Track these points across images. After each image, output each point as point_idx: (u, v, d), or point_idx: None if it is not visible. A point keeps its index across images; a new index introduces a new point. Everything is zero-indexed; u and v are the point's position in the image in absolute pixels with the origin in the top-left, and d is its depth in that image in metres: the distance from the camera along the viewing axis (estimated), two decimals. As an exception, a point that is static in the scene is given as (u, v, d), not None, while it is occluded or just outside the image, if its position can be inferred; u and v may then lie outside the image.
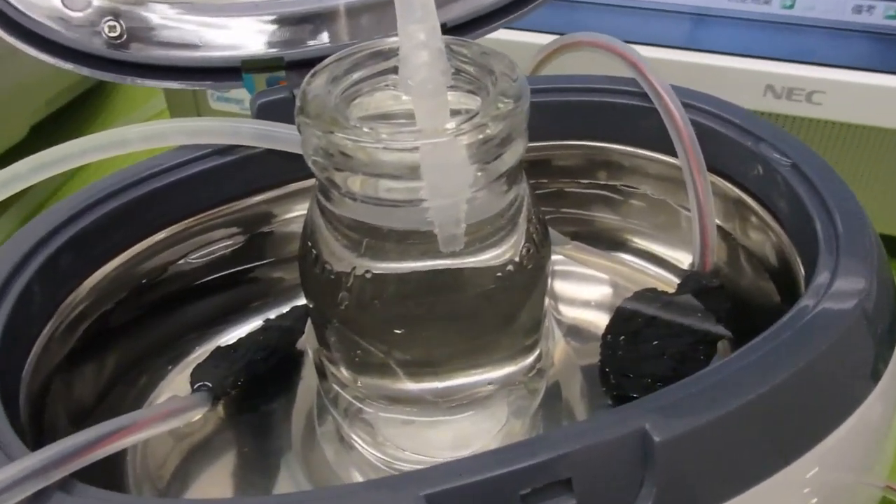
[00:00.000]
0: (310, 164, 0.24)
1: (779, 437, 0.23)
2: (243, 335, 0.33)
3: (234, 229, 0.35)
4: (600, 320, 0.34)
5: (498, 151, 0.23)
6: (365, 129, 0.22)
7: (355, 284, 0.25)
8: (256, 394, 0.33)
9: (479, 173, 0.23)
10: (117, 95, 0.70)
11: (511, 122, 0.23)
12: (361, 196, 0.23)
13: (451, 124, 0.22)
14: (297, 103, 0.24)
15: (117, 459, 0.30)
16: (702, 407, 0.22)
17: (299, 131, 0.24)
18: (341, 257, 0.25)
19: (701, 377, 0.23)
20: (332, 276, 0.25)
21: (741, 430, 0.22)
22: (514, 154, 0.24)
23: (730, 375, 0.23)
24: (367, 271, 0.24)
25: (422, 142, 0.22)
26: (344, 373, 0.28)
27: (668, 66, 0.44)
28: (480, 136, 0.22)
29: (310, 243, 0.26)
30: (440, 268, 0.25)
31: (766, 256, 0.32)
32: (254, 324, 0.35)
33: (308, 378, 0.34)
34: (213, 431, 0.32)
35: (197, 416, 0.29)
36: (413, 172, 0.22)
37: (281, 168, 0.33)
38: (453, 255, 0.24)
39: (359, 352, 0.27)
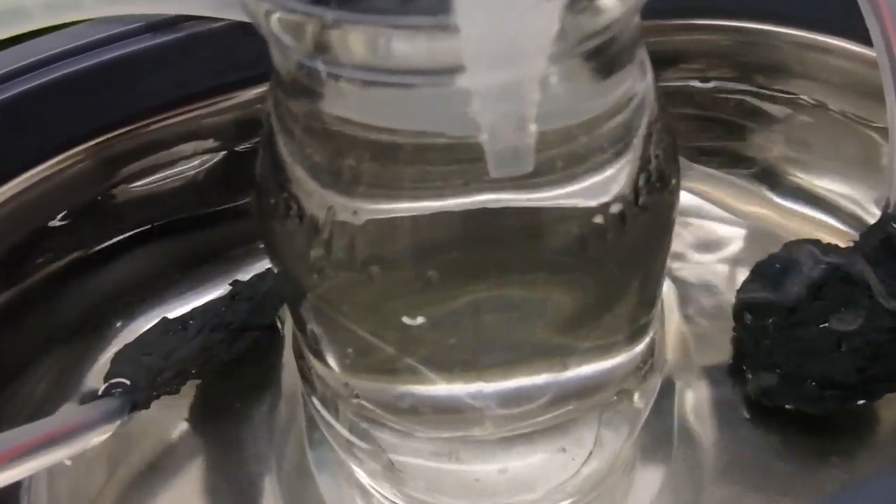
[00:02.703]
0: (265, 24, 0.15)
1: None
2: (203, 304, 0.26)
3: (210, 142, 0.28)
4: (731, 286, 0.28)
5: None
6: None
7: (336, 235, 0.16)
8: (221, 392, 0.26)
9: (561, 36, 0.14)
10: None
11: None
12: (349, 68, 0.14)
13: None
14: None
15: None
16: None
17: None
18: (311, 190, 0.16)
19: None
20: (300, 221, 0.17)
21: None
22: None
23: None
24: (354, 213, 0.16)
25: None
26: (337, 373, 0.19)
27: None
28: None
29: (263, 166, 0.17)
30: (490, 208, 0.16)
31: None
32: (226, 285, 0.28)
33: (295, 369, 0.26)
34: (162, 450, 0.25)
35: (99, 436, 0.20)
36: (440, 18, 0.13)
37: (264, 53, 0.25)
38: (514, 186, 0.15)
39: (349, 351, 0.18)
